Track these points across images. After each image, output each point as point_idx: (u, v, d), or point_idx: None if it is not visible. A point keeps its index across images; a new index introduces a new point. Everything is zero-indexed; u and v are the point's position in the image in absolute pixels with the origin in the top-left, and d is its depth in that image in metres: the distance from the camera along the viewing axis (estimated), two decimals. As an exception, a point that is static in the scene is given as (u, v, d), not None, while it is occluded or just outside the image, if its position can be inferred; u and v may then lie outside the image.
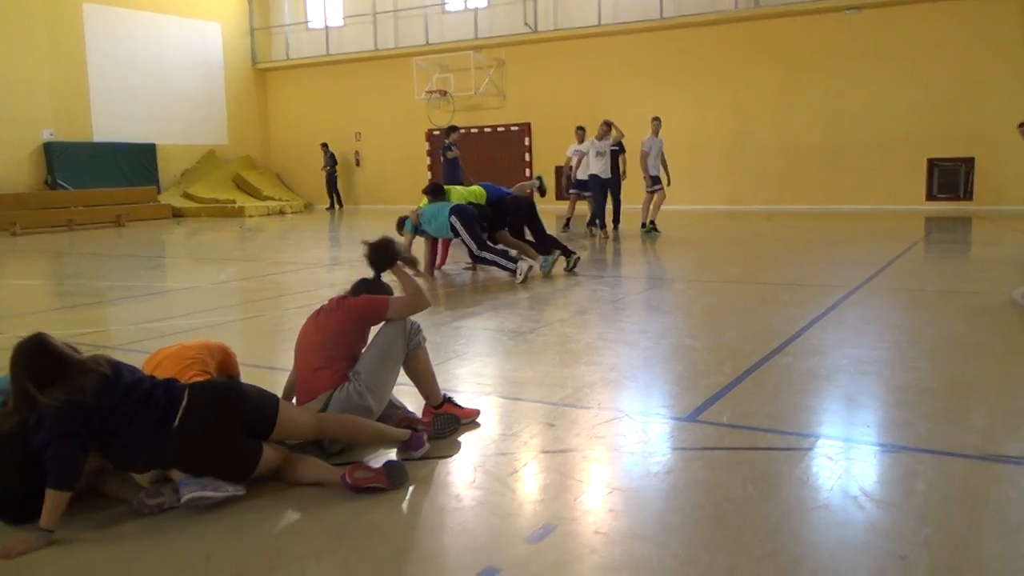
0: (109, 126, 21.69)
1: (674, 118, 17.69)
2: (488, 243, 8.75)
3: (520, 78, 21.19)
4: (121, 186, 21.27)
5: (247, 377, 4.41)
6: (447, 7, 22.32)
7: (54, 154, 20.48)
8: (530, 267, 8.59)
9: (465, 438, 3.73)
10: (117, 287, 9.43)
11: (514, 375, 4.92)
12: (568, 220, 14.46)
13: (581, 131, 14.01)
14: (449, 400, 3.97)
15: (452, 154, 14.01)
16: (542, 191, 10.01)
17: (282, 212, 22.60)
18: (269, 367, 5.06)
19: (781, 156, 18.27)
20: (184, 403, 3.05)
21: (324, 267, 9.72)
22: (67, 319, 7.38)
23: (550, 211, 19.57)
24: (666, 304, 7.33)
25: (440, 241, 9.41)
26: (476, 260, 8.85)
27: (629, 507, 2.96)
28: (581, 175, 13.64)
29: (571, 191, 14.37)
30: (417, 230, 8.92)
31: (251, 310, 7.64)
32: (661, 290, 8.25)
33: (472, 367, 5.12)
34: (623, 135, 13.61)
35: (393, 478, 3.17)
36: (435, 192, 9.06)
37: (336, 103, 24.27)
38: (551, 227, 15.34)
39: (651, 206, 13.44)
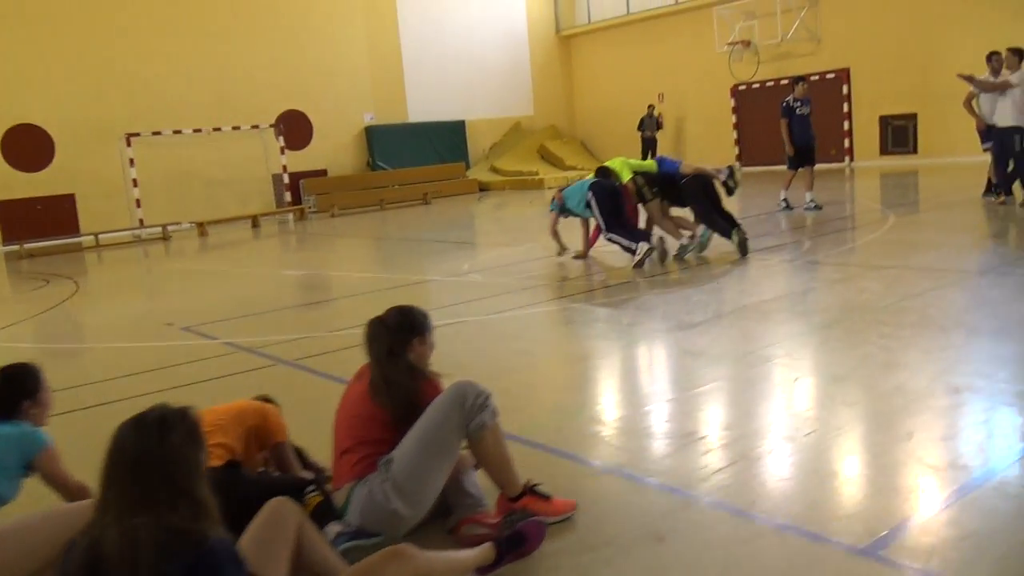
0: (422, 106, 22.87)
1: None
2: (618, 223, 8.12)
3: (836, 17, 18.51)
4: (434, 163, 22.36)
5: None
6: (753, -56, 20.17)
7: (374, 137, 22.09)
8: (650, 248, 7.97)
9: (541, 550, 2.74)
10: (367, 279, 9.60)
11: (665, 437, 3.76)
12: (992, 185, 10.45)
13: (996, 57, 10.20)
14: (533, 490, 2.99)
15: (802, 111, 12.37)
16: (729, 188, 8.37)
17: (581, 181, 22.20)
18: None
19: None
20: None
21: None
22: (277, 321, 7.51)
23: (893, 168, 16.83)
24: (949, 313, 5.50)
25: (587, 222, 8.76)
26: (607, 239, 8.26)
27: None
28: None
29: (987, 144, 10.60)
30: (563, 210, 8.66)
31: (466, 312, 7.13)
32: (960, 288, 6.30)
33: (615, 418, 4.07)
34: None
35: None
36: (601, 174, 8.54)
37: (638, 64, 23.24)
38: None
39: None
